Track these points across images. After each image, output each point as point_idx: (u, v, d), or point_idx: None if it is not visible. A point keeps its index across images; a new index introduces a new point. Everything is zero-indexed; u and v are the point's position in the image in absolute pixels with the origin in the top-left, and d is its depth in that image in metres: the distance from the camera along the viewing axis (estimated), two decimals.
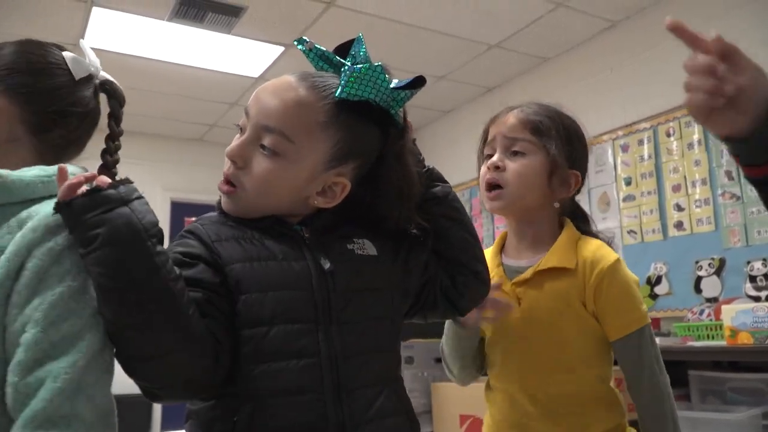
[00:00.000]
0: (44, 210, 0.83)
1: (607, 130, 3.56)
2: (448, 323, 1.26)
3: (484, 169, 1.24)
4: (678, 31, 0.69)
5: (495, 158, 1.20)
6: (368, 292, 0.98)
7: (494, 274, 1.21)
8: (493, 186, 1.21)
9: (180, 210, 5.35)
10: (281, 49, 3.83)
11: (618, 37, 3.62)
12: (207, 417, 0.89)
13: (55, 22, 3.44)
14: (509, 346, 1.21)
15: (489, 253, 1.23)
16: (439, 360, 3.40)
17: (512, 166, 1.20)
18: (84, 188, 0.81)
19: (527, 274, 1.20)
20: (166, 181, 5.31)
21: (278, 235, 0.96)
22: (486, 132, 1.26)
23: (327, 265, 0.95)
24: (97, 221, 0.79)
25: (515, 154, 1.21)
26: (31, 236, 0.80)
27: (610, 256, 1.17)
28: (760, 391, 2.50)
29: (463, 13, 3.48)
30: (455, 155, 4.75)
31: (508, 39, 3.79)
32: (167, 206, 5.35)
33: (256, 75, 4.20)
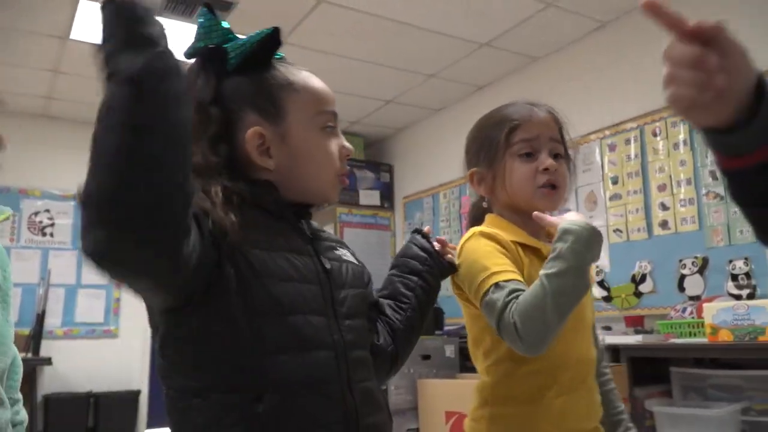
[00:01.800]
0: None
1: (594, 129, 3.59)
2: None
3: (530, 168, 1.18)
4: (653, 11, 0.59)
5: (550, 162, 1.18)
6: (358, 293, 1.04)
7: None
8: (551, 186, 1.19)
9: None
10: None
11: (607, 38, 3.65)
12: (215, 407, 0.86)
13: (43, 16, 3.43)
14: None
15: (504, 231, 1.17)
16: (425, 357, 3.41)
17: (561, 169, 1.20)
18: None
19: None
20: None
21: (291, 228, 1.00)
22: (514, 127, 1.20)
23: (327, 264, 1.00)
24: None
25: (556, 156, 1.21)
26: None
27: None
28: (739, 388, 2.54)
29: (454, 12, 3.50)
30: (444, 153, 4.78)
31: (498, 38, 3.81)
32: None
33: None
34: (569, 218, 1.08)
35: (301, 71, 1.04)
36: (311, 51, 3.87)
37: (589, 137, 3.61)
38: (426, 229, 1.26)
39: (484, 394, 1.18)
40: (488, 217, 1.26)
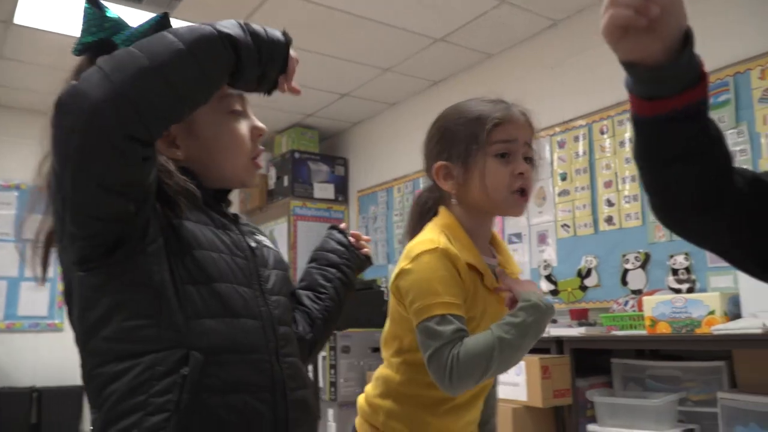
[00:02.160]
0: None
1: (545, 126, 3.66)
2: None
3: (506, 170, 1.15)
4: None
5: (526, 167, 1.16)
6: (281, 274, 1.09)
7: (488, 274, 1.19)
8: (523, 191, 1.17)
9: None
10: None
11: (559, 36, 3.72)
12: (141, 371, 0.86)
13: None
14: None
15: (462, 249, 1.16)
16: (375, 350, 3.43)
17: (531, 175, 1.18)
18: None
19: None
20: None
21: (214, 210, 1.04)
22: (496, 125, 1.15)
23: (252, 243, 1.05)
24: None
25: (527, 160, 1.18)
26: None
27: None
28: (677, 379, 2.63)
29: (409, 6, 3.51)
30: (399, 148, 4.80)
31: (452, 33, 3.84)
32: None
33: None
34: (530, 290, 1.11)
35: None
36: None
37: (539, 134, 3.67)
38: (342, 225, 1.34)
39: (388, 387, 1.19)
40: (443, 212, 1.22)
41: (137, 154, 0.82)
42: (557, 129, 3.63)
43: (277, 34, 0.96)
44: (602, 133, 3.39)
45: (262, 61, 0.93)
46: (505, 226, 3.88)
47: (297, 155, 5.12)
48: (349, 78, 4.47)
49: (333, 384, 3.23)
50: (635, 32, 0.62)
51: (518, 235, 3.81)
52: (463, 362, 1.01)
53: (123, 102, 0.79)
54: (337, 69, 4.30)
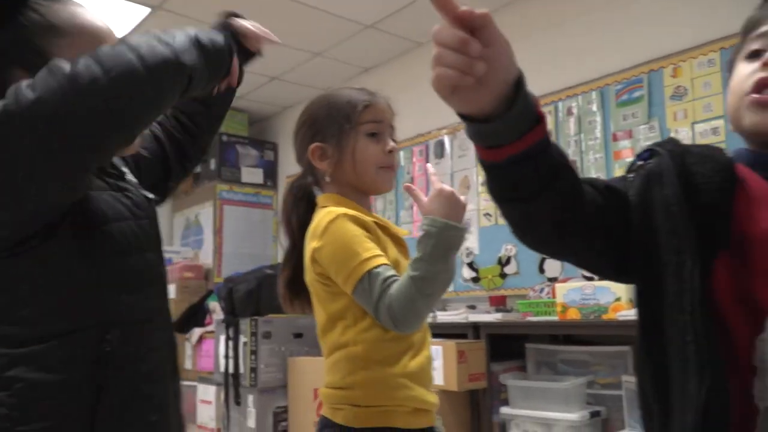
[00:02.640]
0: None
1: None
2: None
3: (377, 148, 1.26)
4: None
5: (394, 145, 1.25)
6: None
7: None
8: (390, 168, 1.28)
9: None
10: (148, 10, 3.66)
11: None
12: (63, 353, 0.86)
13: None
14: None
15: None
16: (297, 335, 3.42)
17: (396, 152, 1.27)
18: None
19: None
20: None
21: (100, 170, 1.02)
22: (366, 106, 1.25)
23: (149, 194, 1.06)
24: None
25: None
26: None
27: None
28: (586, 363, 2.74)
29: None
30: None
31: (382, 20, 3.84)
32: None
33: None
34: (433, 208, 1.12)
35: (66, 7, 0.95)
36: (192, 20, 3.73)
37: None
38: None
39: (354, 363, 1.20)
40: (328, 196, 1.28)
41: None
42: None
43: (220, 41, 0.96)
44: None
45: (209, 79, 0.94)
46: None
47: (225, 138, 5.02)
48: (279, 61, 4.41)
49: (253, 370, 3.20)
50: (464, 88, 0.61)
51: None
52: (396, 308, 1.09)
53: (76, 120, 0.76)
54: (267, 51, 4.22)
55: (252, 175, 5.11)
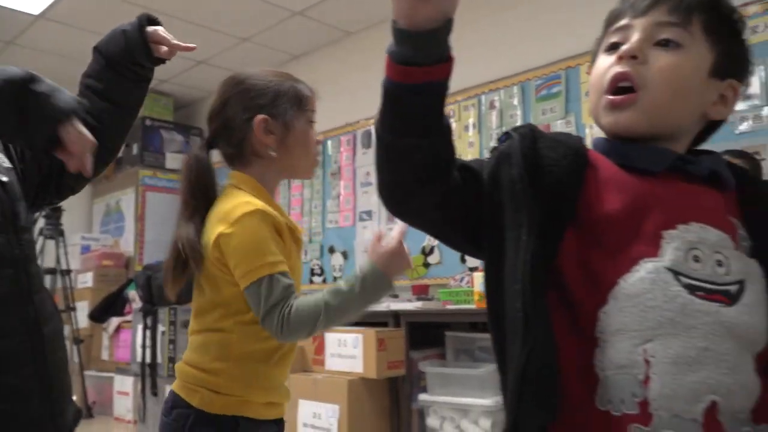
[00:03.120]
0: None
1: None
2: None
3: (314, 137, 1.30)
4: None
5: (320, 137, 1.35)
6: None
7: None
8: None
9: None
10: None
11: None
12: None
13: None
14: None
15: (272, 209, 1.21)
16: None
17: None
18: None
19: None
20: None
21: None
22: (309, 95, 1.30)
23: (4, 177, 1.03)
24: None
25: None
26: None
27: None
28: None
29: None
30: None
31: (311, 8, 3.81)
32: None
33: (36, 12, 3.80)
34: (381, 258, 1.14)
35: None
36: (127, 4, 3.61)
37: None
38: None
39: (225, 350, 1.18)
40: (240, 175, 1.24)
41: None
42: None
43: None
44: (449, 116, 3.52)
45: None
46: (357, 203, 3.94)
47: (148, 122, 4.87)
48: (206, 45, 4.31)
49: (171, 360, 3.14)
50: None
51: (368, 213, 3.89)
52: (293, 321, 1.10)
53: None
54: (193, 34, 4.12)
55: (177, 161, 4.99)
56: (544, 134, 0.75)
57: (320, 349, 2.90)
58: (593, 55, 0.81)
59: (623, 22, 0.76)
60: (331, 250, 4.06)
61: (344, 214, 4.02)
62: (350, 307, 1.12)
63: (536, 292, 0.65)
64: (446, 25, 0.65)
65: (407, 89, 0.66)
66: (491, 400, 2.52)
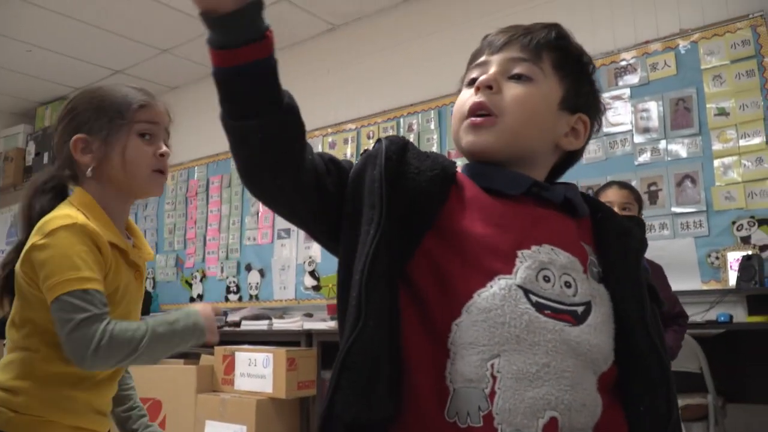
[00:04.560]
0: None
1: (319, 126, 3.76)
2: None
3: (150, 150, 1.22)
4: None
5: (167, 149, 1.24)
6: None
7: None
8: (162, 171, 1.25)
9: None
10: None
11: (336, 40, 3.84)
12: None
13: None
14: None
15: (101, 227, 1.16)
16: None
17: (168, 156, 1.24)
18: None
19: None
20: None
21: None
22: (143, 105, 1.21)
23: None
24: None
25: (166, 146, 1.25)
26: None
27: None
28: None
29: None
30: (177, 134, 4.56)
31: None
32: None
33: None
34: (204, 313, 1.16)
35: None
36: (35, 6, 3.47)
37: (313, 133, 3.77)
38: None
39: (26, 368, 1.13)
40: (78, 192, 1.19)
41: None
42: (329, 130, 3.75)
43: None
44: (369, 137, 3.57)
45: None
46: (275, 221, 3.91)
47: None
48: (124, 55, 4.21)
49: None
50: None
51: (287, 231, 3.87)
52: (115, 339, 1.02)
53: None
54: (111, 44, 4.02)
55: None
56: (416, 148, 0.79)
57: (230, 368, 2.85)
58: (459, 91, 0.86)
59: (482, 58, 0.83)
60: (248, 268, 4.01)
61: (262, 231, 3.99)
62: (173, 338, 1.10)
63: (375, 283, 0.67)
64: (251, 6, 0.66)
65: (229, 73, 0.67)
66: None
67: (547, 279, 0.70)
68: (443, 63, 3.34)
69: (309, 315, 3.26)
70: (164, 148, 1.21)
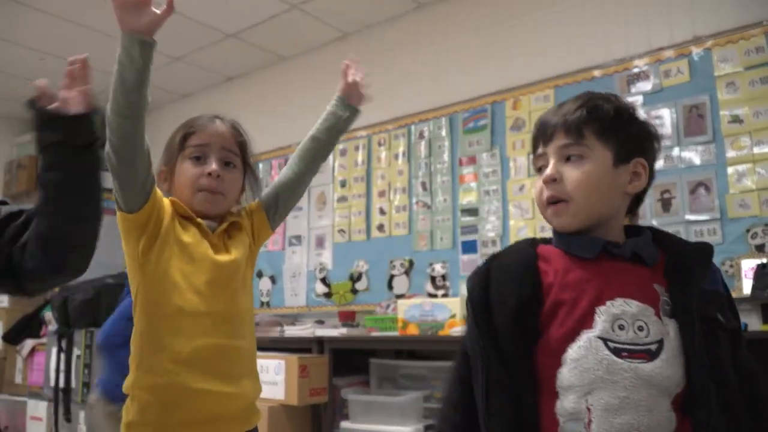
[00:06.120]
0: None
1: None
2: None
3: (197, 170, 1.31)
4: None
5: (214, 167, 1.31)
6: None
7: None
8: (211, 191, 1.33)
9: None
10: None
11: (347, 48, 3.85)
12: None
13: None
14: None
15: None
16: None
17: (228, 176, 1.32)
18: None
19: None
20: None
21: None
22: (190, 133, 1.32)
23: None
24: None
25: (228, 165, 1.33)
26: None
27: None
28: (424, 377, 2.85)
29: None
30: None
31: (244, 31, 3.81)
32: None
33: None
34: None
35: None
36: (47, 15, 3.51)
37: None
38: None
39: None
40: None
41: None
42: (340, 137, 3.76)
43: None
44: (380, 144, 3.58)
45: None
46: (287, 228, 3.92)
47: None
48: None
49: (86, 385, 3.03)
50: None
51: (298, 238, 3.88)
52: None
53: None
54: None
55: (107, 179, 4.84)
56: (494, 264, 0.98)
57: None
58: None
59: (540, 150, 1.00)
60: (260, 275, 4.02)
61: (273, 238, 4.00)
62: (122, 74, 1.17)
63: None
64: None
65: None
66: (412, 427, 2.54)
67: (621, 327, 0.88)
68: (454, 70, 3.35)
69: (320, 322, 3.27)
70: (212, 167, 1.28)
